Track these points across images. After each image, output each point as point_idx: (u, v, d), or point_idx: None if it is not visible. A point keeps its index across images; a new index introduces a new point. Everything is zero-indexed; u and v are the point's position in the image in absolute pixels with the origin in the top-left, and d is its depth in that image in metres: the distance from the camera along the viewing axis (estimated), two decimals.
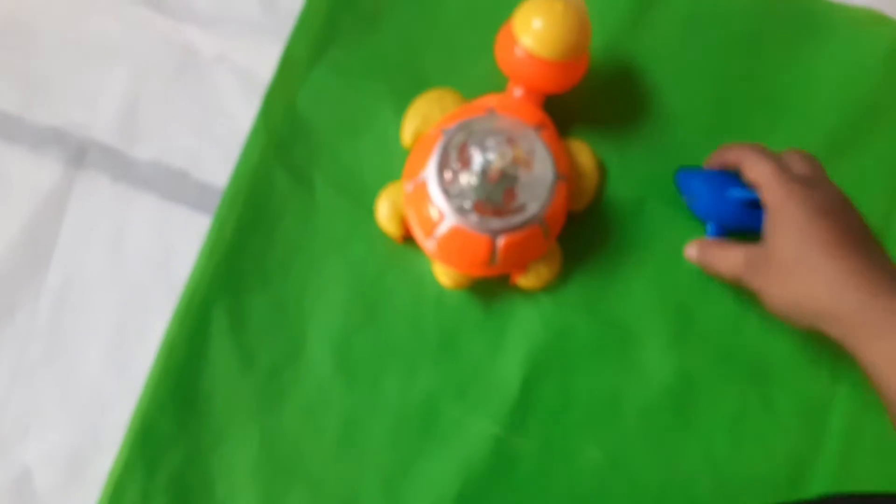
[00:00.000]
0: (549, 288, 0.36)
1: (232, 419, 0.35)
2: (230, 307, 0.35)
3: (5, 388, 0.35)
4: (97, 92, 0.38)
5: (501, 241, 0.33)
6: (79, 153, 0.37)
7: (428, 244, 0.34)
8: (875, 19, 0.39)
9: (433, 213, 0.33)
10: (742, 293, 0.36)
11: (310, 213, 0.37)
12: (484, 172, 0.32)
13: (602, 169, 0.37)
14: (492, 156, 0.32)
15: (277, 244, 0.36)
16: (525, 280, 0.35)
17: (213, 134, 0.37)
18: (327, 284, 0.36)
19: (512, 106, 0.35)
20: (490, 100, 0.35)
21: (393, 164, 0.36)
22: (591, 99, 0.38)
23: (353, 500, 0.34)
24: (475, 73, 0.37)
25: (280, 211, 0.36)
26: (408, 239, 0.36)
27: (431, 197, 0.33)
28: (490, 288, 0.36)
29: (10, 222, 0.36)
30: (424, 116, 0.36)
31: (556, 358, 0.36)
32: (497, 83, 0.36)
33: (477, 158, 0.32)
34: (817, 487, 0.35)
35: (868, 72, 0.39)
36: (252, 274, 0.36)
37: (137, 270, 0.36)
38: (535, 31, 0.32)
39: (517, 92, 0.35)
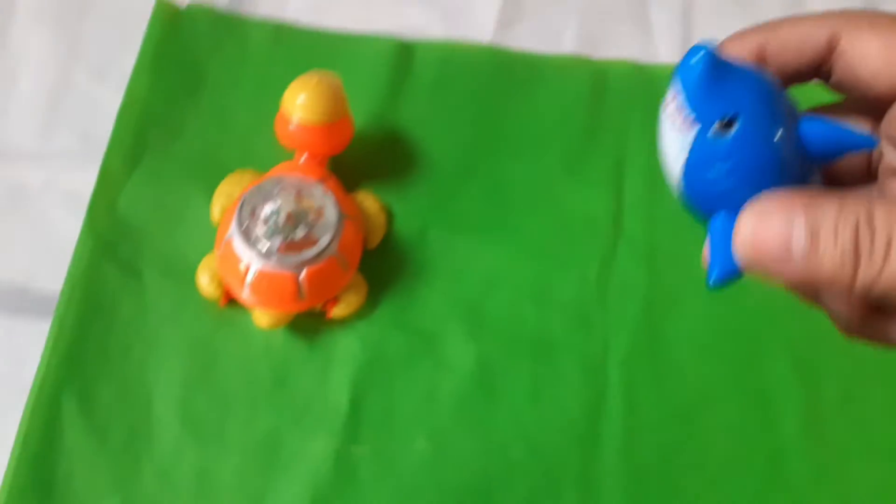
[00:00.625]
0: (361, 314, 0.43)
1: (93, 496, 0.39)
2: (79, 393, 0.40)
3: None
4: None
5: (304, 275, 0.40)
6: None
7: (242, 294, 0.40)
8: (578, 62, 0.51)
9: (241, 266, 0.40)
10: (521, 286, 0.44)
11: (141, 298, 0.43)
12: (276, 219, 0.39)
13: (387, 211, 0.46)
14: (280, 203, 0.40)
15: (115, 330, 0.42)
16: (338, 310, 0.42)
17: (48, 250, 0.43)
18: (165, 356, 0.42)
19: (298, 169, 0.43)
20: (280, 168, 0.43)
21: (207, 241, 0.43)
22: (369, 157, 0.47)
23: None
24: (267, 156, 0.45)
25: (114, 302, 0.42)
26: (230, 300, 0.42)
27: (237, 251, 0.40)
28: (311, 325, 0.43)
29: None
30: (228, 194, 0.43)
31: (376, 370, 0.42)
32: (285, 159, 0.45)
33: (268, 208, 0.40)
34: (611, 427, 0.42)
35: (581, 101, 0.50)
36: (95, 360, 0.41)
37: None
38: (299, 105, 0.41)
39: (302, 159, 0.43)
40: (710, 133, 0.22)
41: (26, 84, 0.48)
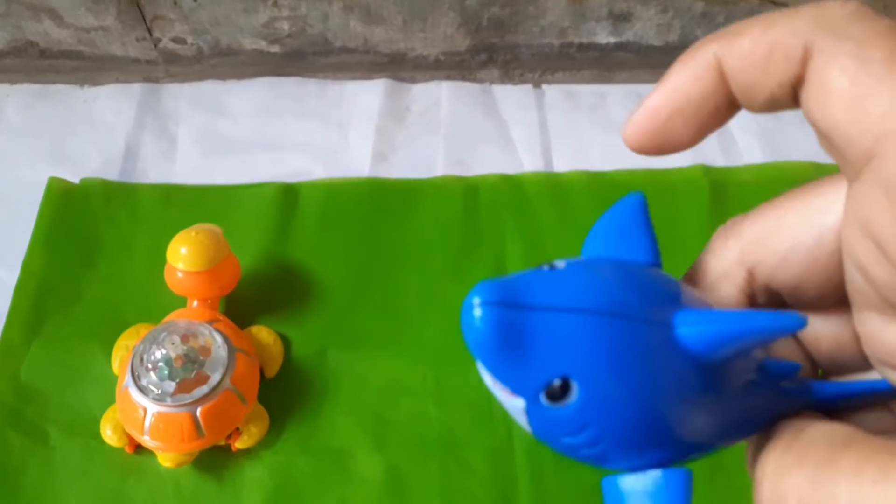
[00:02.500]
0: (266, 443, 0.47)
1: None
2: None
3: None
4: None
5: (200, 412, 0.43)
6: None
7: (145, 440, 0.44)
8: (451, 180, 0.59)
9: (139, 412, 0.43)
10: (422, 390, 0.49)
11: (48, 457, 0.46)
12: (165, 363, 0.44)
13: (284, 340, 0.51)
14: (168, 348, 0.44)
15: (24, 492, 0.45)
16: (241, 442, 0.46)
17: None
18: None
19: (190, 314, 0.48)
20: (172, 315, 0.48)
21: (110, 395, 0.47)
22: (262, 293, 0.53)
23: None
24: (163, 308, 0.50)
25: (20, 465, 0.46)
26: (137, 447, 0.45)
27: (134, 399, 0.44)
28: (218, 460, 0.46)
29: None
30: (126, 347, 0.48)
31: (287, 496, 0.46)
32: (181, 307, 0.50)
33: (157, 354, 0.44)
34: None
35: (457, 213, 0.58)
36: None
37: None
38: (182, 256, 0.47)
39: (194, 304, 0.49)
40: (543, 404, 0.17)
41: None
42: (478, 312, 0.17)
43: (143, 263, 0.54)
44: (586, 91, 0.66)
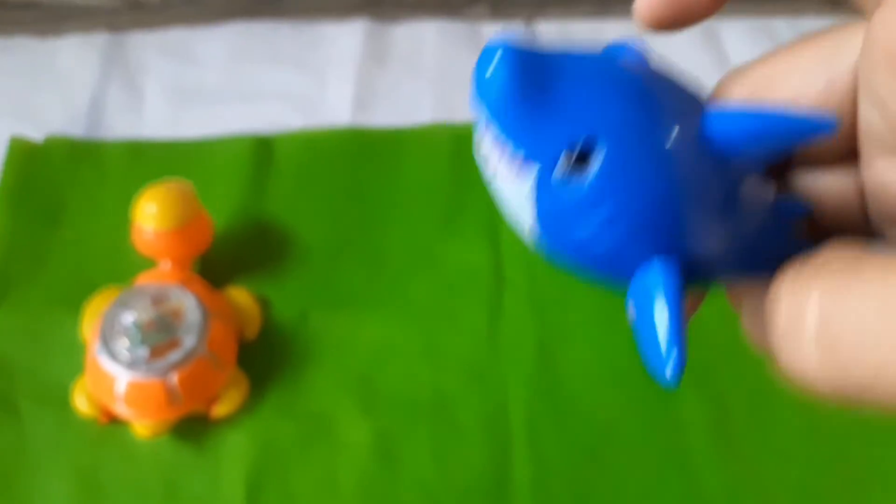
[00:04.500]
0: (246, 409, 0.47)
1: None
2: None
3: None
4: None
5: (174, 379, 0.43)
6: None
7: (118, 408, 0.43)
8: (438, 128, 0.58)
9: (109, 380, 0.43)
10: (412, 351, 0.48)
11: (19, 430, 0.46)
12: (136, 328, 0.43)
13: (263, 301, 0.50)
14: (139, 312, 0.43)
15: None
16: (220, 408, 0.45)
17: None
18: (49, 482, 0.45)
19: (160, 276, 0.47)
20: (142, 277, 0.47)
21: (81, 362, 0.46)
22: (239, 253, 0.53)
23: None
24: (133, 270, 0.50)
25: None
26: (111, 418, 0.45)
27: (103, 367, 0.43)
28: (196, 427, 0.46)
29: None
30: (94, 312, 0.47)
31: (269, 464, 0.46)
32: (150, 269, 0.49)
33: (128, 319, 0.43)
34: (520, 477, 0.45)
35: (445, 163, 0.56)
36: None
37: None
38: (149, 214, 0.46)
39: (164, 265, 0.48)
40: (558, 175, 0.16)
41: None
42: (499, 56, 0.15)
43: (111, 224, 0.53)
44: (583, 28, 0.64)
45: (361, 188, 0.56)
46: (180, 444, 0.46)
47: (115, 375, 0.44)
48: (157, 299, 0.45)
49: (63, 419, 0.46)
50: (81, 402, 0.45)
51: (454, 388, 0.48)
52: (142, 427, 0.45)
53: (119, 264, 0.51)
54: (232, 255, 0.52)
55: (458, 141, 0.58)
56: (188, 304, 0.46)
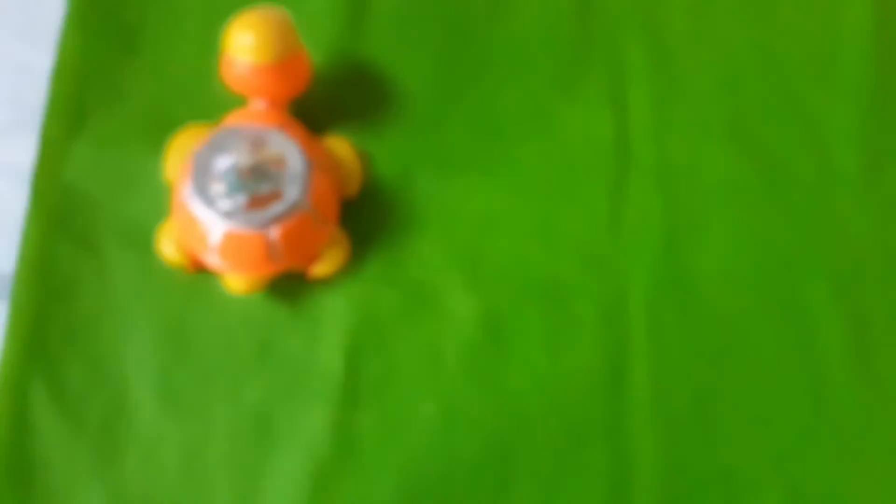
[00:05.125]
0: (347, 271, 0.43)
1: (74, 484, 0.40)
2: (46, 378, 0.41)
3: None
4: None
5: (275, 234, 0.39)
6: None
7: (211, 259, 0.40)
8: None
9: (203, 229, 0.39)
10: (523, 226, 0.44)
11: (102, 271, 0.43)
12: (235, 174, 0.39)
13: (364, 155, 0.45)
14: (235, 157, 0.39)
15: (78, 309, 0.43)
16: (320, 268, 0.42)
17: None
18: (136, 332, 0.42)
19: (254, 117, 0.43)
20: (233, 117, 0.43)
21: (165, 205, 0.44)
22: (337, 98, 0.47)
23: None
24: (218, 107, 0.45)
25: (72, 278, 0.43)
26: (199, 267, 0.42)
27: (196, 214, 0.40)
28: (292, 287, 0.43)
29: None
30: (180, 151, 0.43)
31: (370, 332, 0.43)
32: (239, 107, 0.44)
33: (224, 163, 0.39)
34: (637, 374, 0.42)
35: (568, 13, 0.49)
36: (60, 342, 0.42)
37: None
38: (244, 45, 0.41)
39: (258, 105, 0.43)
40: None
41: None
42: None
43: (191, 52, 0.47)
44: None
45: (470, 33, 0.49)
46: (274, 304, 0.43)
47: (208, 224, 0.40)
48: (256, 143, 0.41)
49: (146, 264, 0.43)
50: (168, 249, 0.42)
51: (569, 271, 0.44)
52: (235, 281, 0.41)
53: (203, 99, 0.46)
54: (329, 99, 0.47)
55: None
56: (290, 151, 0.41)
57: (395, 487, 0.40)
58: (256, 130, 0.41)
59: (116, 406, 0.41)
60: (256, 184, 0.40)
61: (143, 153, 0.45)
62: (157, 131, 0.45)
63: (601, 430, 0.42)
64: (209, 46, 0.46)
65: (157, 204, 0.44)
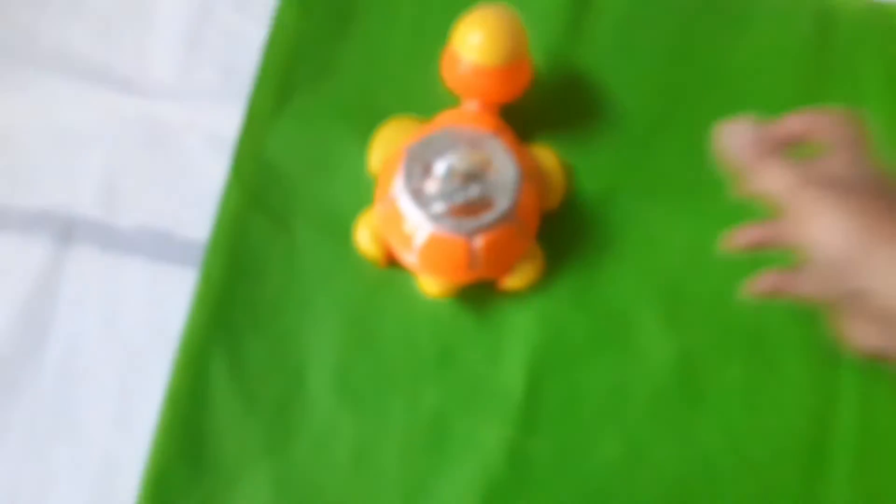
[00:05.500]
0: (537, 287, 0.42)
1: (243, 462, 0.40)
2: (227, 352, 0.41)
3: (18, 467, 0.40)
4: (77, 172, 0.45)
5: (479, 242, 0.38)
6: (65, 230, 0.44)
7: (408, 258, 0.39)
8: None
9: (408, 227, 0.39)
10: (732, 262, 0.41)
11: (292, 252, 0.43)
12: (448, 177, 0.38)
13: (567, 168, 0.44)
14: (453, 160, 0.38)
15: (265, 287, 0.42)
16: (512, 281, 0.41)
17: (191, 194, 0.45)
18: (319, 318, 0.42)
19: (467, 119, 0.41)
20: (446, 116, 0.42)
21: (365, 194, 0.43)
22: (546, 105, 0.46)
23: None
24: (429, 101, 0.44)
25: (263, 255, 0.43)
26: (392, 262, 0.41)
27: (403, 211, 0.39)
28: (480, 296, 0.42)
29: (7, 304, 0.43)
30: (387, 143, 0.42)
31: (556, 355, 0.41)
32: (450, 105, 0.43)
33: (440, 165, 0.39)
34: (842, 444, 0.39)
35: (803, 44, 0.46)
36: (244, 318, 0.42)
37: (134, 331, 0.42)
38: (473, 44, 0.40)
39: (471, 106, 0.42)
40: None
41: (165, 16, 0.49)
42: None
43: (405, 40, 0.47)
44: None
45: (696, 53, 0.46)
46: (462, 310, 0.41)
47: (415, 223, 0.39)
48: (472, 147, 0.39)
49: (338, 252, 0.42)
50: (365, 240, 0.41)
51: (778, 317, 0.41)
52: (429, 283, 0.40)
53: (411, 90, 0.45)
54: (539, 104, 0.45)
55: (823, 16, 0.47)
56: (504, 159, 0.40)
57: None
58: (474, 134, 0.40)
59: (293, 390, 0.40)
60: (468, 189, 0.39)
61: (346, 136, 0.45)
62: (362, 116, 0.45)
63: (793, 499, 0.38)
64: (423, 36, 0.45)
65: (355, 190, 0.43)
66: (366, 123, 0.44)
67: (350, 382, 0.41)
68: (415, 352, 0.41)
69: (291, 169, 0.44)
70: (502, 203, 0.39)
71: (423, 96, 0.45)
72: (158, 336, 0.42)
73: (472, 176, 0.39)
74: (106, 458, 0.40)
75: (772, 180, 0.33)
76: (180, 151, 0.45)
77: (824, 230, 0.31)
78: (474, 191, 0.39)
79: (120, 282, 0.43)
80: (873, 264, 0.31)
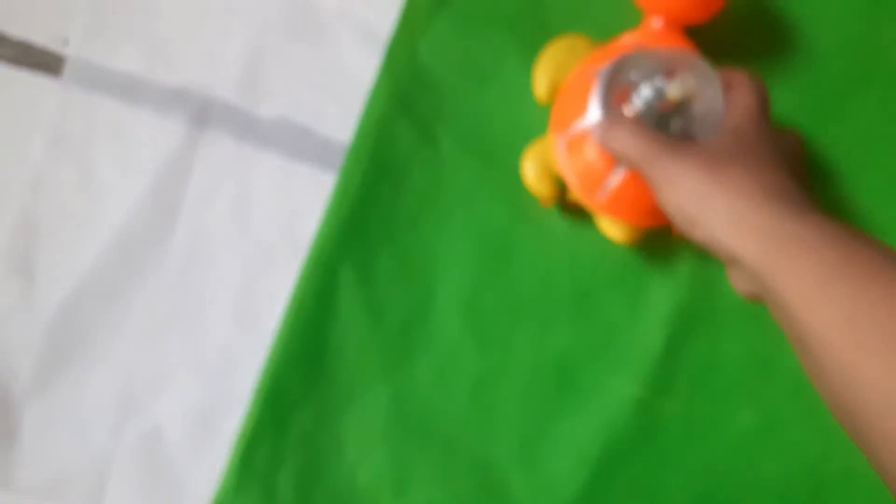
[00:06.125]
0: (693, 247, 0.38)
1: (361, 378, 0.40)
2: (358, 262, 0.40)
3: (137, 347, 0.41)
4: (219, 52, 0.43)
5: None
6: (202, 113, 0.43)
7: (597, 199, 0.36)
8: None
9: (601, 163, 0.35)
10: None
11: (436, 167, 0.41)
12: (654, 109, 0.34)
13: None
14: (662, 85, 0.34)
15: (403, 199, 0.41)
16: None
17: (336, 89, 0.42)
18: (455, 241, 0.40)
19: (653, 40, 0.37)
20: (629, 37, 0.38)
21: (522, 117, 0.40)
22: (731, 34, 0.41)
23: (488, 462, 0.38)
24: (604, 15, 0.40)
25: (405, 165, 0.41)
26: (559, 201, 0.39)
27: (591, 146, 0.35)
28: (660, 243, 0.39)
29: (137, 182, 0.42)
30: (558, 66, 0.39)
31: (703, 316, 0.39)
32: (625, 25, 0.39)
33: (646, 92, 0.34)
34: None
35: None
36: (379, 229, 0.41)
37: (263, 228, 0.42)
38: None
39: (655, 24, 0.38)
40: None
41: None
42: None
43: None
44: None
45: None
46: (608, 255, 0.39)
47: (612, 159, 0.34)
48: (671, 72, 0.34)
49: (484, 174, 0.40)
50: (533, 175, 0.37)
51: None
52: (612, 228, 0.37)
53: (582, 9, 0.41)
54: (730, 36, 0.40)
55: None
56: (713, 90, 0.34)
57: (690, 488, 0.37)
58: (675, 58, 0.35)
59: (420, 311, 0.40)
60: (673, 122, 0.34)
61: (507, 48, 0.41)
62: (528, 28, 0.41)
63: None
64: None
65: (512, 111, 0.41)
66: (529, 36, 0.41)
67: (478, 312, 0.40)
68: (549, 290, 0.39)
69: (445, 76, 0.42)
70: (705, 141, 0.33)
71: (595, 10, 0.41)
72: (288, 237, 0.41)
73: (681, 106, 0.34)
74: (224, 354, 0.40)
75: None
76: (330, 42, 0.43)
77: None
78: (676, 124, 0.34)
79: (253, 174, 0.42)
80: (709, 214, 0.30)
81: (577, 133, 0.36)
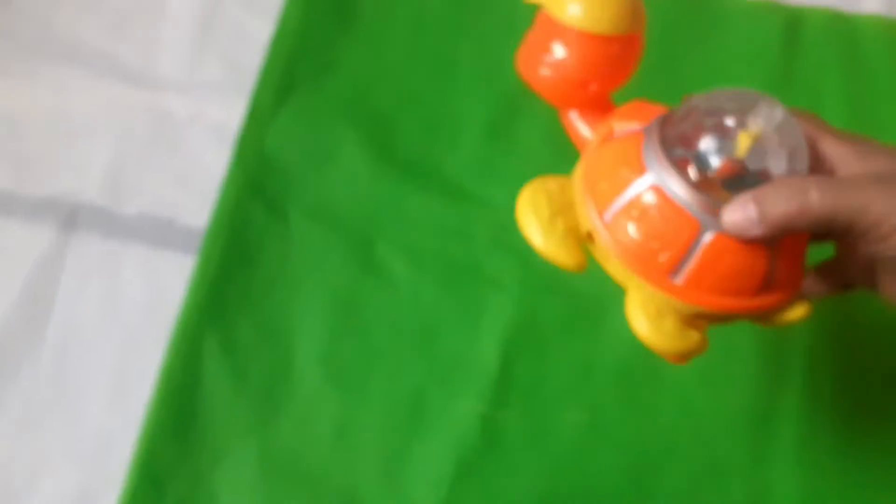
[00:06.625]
0: (514, 274, 0.45)
1: (230, 438, 0.43)
2: (220, 333, 0.45)
3: (13, 441, 0.43)
4: (84, 161, 0.49)
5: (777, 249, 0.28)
6: (70, 217, 0.48)
7: (674, 279, 0.28)
8: (771, 7, 0.51)
9: (676, 228, 0.27)
10: None
11: (286, 240, 0.47)
12: (725, 148, 0.27)
13: None
14: (732, 124, 0.28)
15: (259, 272, 0.46)
16: (794, 311, 0.30)
17: (193, 183, 0.48)
18: (310, 302, 0.46)
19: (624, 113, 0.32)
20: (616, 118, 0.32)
21: (358, 185, 0.47)
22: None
23: (353, 492, 0.42)
24: (425, 103, 0.48)
25: (259, 241, 0.47)
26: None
27: (675, 202, 0.27)
28: (462, 280, 0.46)
29: (10, 287, 0.46)
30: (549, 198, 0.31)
31: (529, 335, 0.45)
32: (442, 109, 0.47)
33: (728, 130, 0.27)
34: (787, 417, 0.43)
35: (770, 49, 0.50)
36: (238, 301, 0.46)
37: (132, 314, 0.46)
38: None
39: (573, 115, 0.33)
40: None
41: (174, 11, 0.53)
42: None
43: (404, 41, 0.51)
44: None
45: (672, 55, 0.50)
46: (446, 295, 0.45)
47: (695, 220, 0.27)
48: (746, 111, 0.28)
49: (329, 241, 0.46)
50: (556, 243, 0.31)
51: None
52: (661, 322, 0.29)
53: (405, 99, 0.49)
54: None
55: (791, 24, 0.51)
56: (778, 116, 0.27)
57: (535, 487, 0.42)
58: (722, 93, 0.29)
59: (281, 369, 0.44)
60: (753, 169, 0.28)
61: (344, 132, 0.48)
62: (361, 113, 0.49)
63: (743, 466, 0.42)
64: (425, 47, 0.49)
65: (349, 184, 0.47)
66: (362, 121, 0.49)
67: (336, 360, 0.44)
68: (397, 334, 0.45)
69: (290, 162, 0.48)
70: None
71: (418, 105, 0.49)
72: (156, 319, 0.45)
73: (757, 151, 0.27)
74: (99, 436, 0.43)
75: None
76: (185, 143, 0.49)
77: None
78: (762, 172, 0.27)
79: (121, 266, 0.46)
80: None
81: (634, 197, 0.28)
